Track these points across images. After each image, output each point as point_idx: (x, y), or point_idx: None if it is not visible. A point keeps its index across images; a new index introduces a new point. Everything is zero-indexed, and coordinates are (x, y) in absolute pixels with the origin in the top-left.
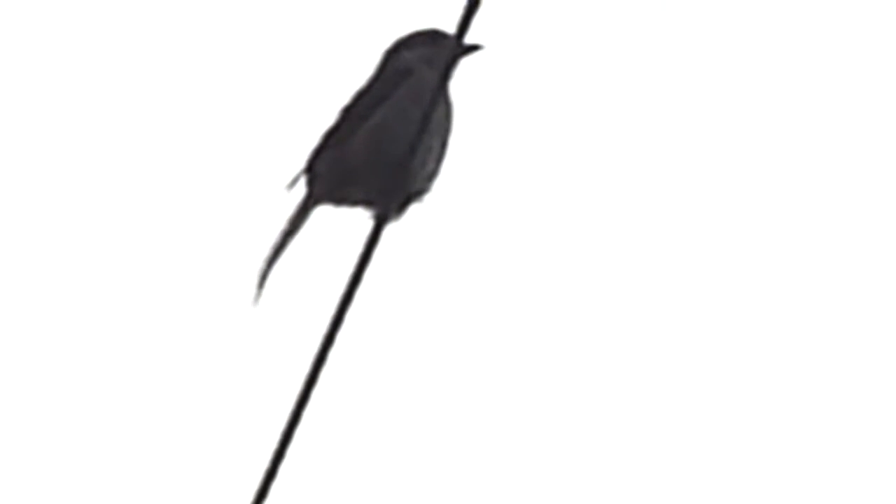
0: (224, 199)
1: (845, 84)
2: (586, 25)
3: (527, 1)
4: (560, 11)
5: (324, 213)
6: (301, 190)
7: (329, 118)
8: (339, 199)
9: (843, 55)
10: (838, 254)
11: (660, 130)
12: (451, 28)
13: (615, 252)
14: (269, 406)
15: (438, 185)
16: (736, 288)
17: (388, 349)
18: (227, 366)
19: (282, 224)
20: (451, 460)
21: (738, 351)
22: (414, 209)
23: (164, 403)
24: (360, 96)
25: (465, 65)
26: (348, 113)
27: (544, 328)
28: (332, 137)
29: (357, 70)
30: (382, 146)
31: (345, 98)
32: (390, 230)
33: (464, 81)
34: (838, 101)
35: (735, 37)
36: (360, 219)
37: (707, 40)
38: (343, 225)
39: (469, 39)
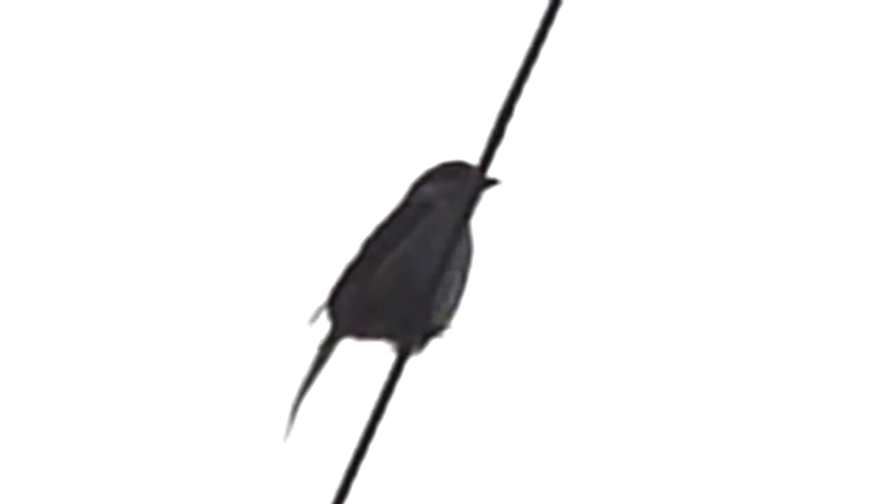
0: (248, 334)
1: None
2: (605, 158)
3: (550, 135)
4: (579, 145)
5: (346, 347)
6: (324, 324)
7: (351, 251)
8: (362, 333)
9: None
10: (839, 254)
11: (673, 256)
12: (475, 158)
13: (637, 367)
14: None
15: (459, 319)
16: (739, 290)
17: (410, 482)
18: (257, 497)
19: (306, 359)
20: None
21: (741, 352)
22: (435, 343)
23: None
24: (382, 229)
25: (487, 198)
26: (370, 246)
27: (563, 464)
28: (353, 271)
29: (379, 203)
30: (404, 280)
31: (367, 231)
32: (412, 364)
33: (486, 215)
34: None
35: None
36: (382, 352)
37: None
38: (365, 358)
39: (493, 172)
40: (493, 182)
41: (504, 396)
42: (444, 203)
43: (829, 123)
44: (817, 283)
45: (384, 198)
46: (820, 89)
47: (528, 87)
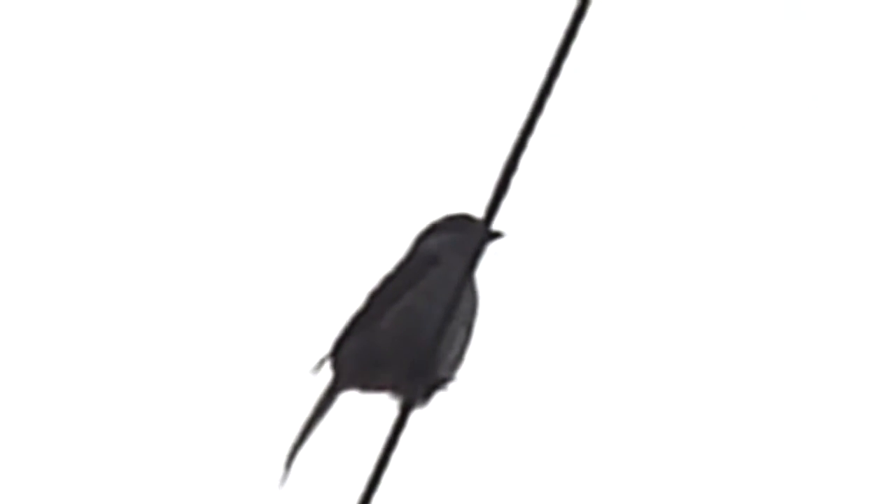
0: (251, 382)
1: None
2: (610, 208)
3: (554, 188)
4: (583, 199)
5: (349, 398)
6: (327, 374)
7: (356, 302)
8: (365, 385)
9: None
10: (839, 255)
11: (680, 313)
12: (480, 211)
13: (644, 428)
14: None
15: (463, 372)
16: (746, 293)
17: None
18: None
19: (308, 408)
20: None
21: (747, 354)
22: (438, 396)
23: None
24: (388, 281)
25: (491, 250)
26: (375, 297)
27: None
28: (358, 322)
29: (385, 255)
30: (409, 332)
31: (372, 282)
32: (415, 417)
33: (491, 268)
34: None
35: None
36: (385, 405)
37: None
38: (369, 410)
39: (497, 225)
40: (497, 235)
41: (508, 451)
42: (449, 256)
43: (841, 131)
44: (824, 297)
45: (389, 250)
46: (835, 100)
47: (532, 142)
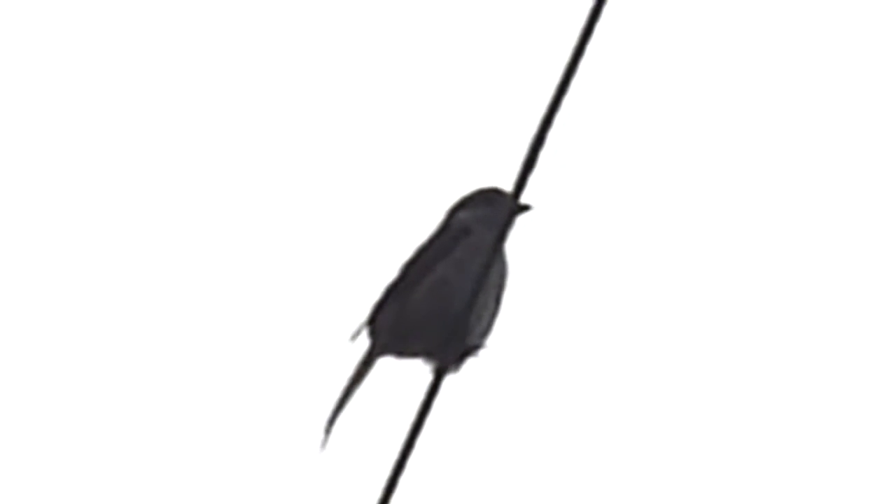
0: (292, 350)
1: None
2: (635, 185)
3: (581, 163)
4: (609, 172)
5: (386, 365)
6: (364, 341)
7: (391, 272)
8: (400, 352)
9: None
10: (839, 256)
11: (707, 276)
12: (509, 185)
13: (672, 384)
14: None
15: (492, 340)
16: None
17: (446, 498)
18: None
19: (346, 375)
20: None
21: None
22: (470, 363)
23: None
24: (422, 252)
25: (520, 223)
26: (410, 268)
27: (595, 482)
28: (393, 292)
29: (419, 227)
30: (442, 301)
31: (406, 253)
32: (448, 382)
33: (519, 240)
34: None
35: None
36: (419, 371)
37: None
38: (403, 375)
39: (526, 198)
40: (526, 208)
41: (538, 416)
42: (479, 228)
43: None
44: (832, 302)
45: (423, 222)
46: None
47: (558, 118)
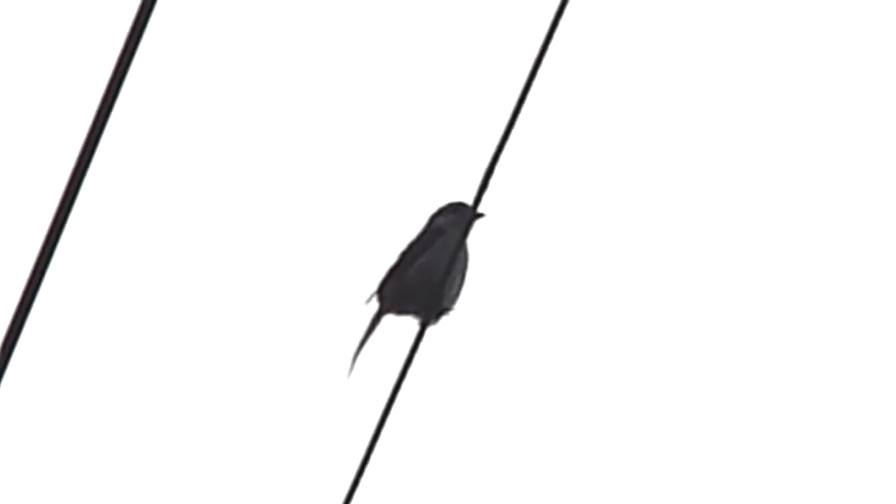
0: (329, 311)
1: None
2: (570, 196)
3: (529, 180)
4: (552, 187)
5: (389, 320)
6: (374, 304)
7: (392, 259)
8: (398, 311)
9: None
10: (840, 256)
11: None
12: (470, 199)
13: (619, 338)
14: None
15: (460, 305)
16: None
17: (429, 413)
18: (311, 414)
19: (364, 326)
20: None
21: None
22: (444, 320)
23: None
24: (412, 246)
25: (477, 226)
26: (404, 256)
27: (559, 404)
28: (394, 272)
29: (410, 230)
30: (426, 278)
31: (402, 246)
32: (430, 332)
33: (478, 236)
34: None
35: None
36: (410, 325)
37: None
38: (400, 328)
39: (482, 209)
40: (481, 215)
41: (492, 356)
42: (450, 229)
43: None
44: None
45: (413, 226)
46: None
47: (508, 146)
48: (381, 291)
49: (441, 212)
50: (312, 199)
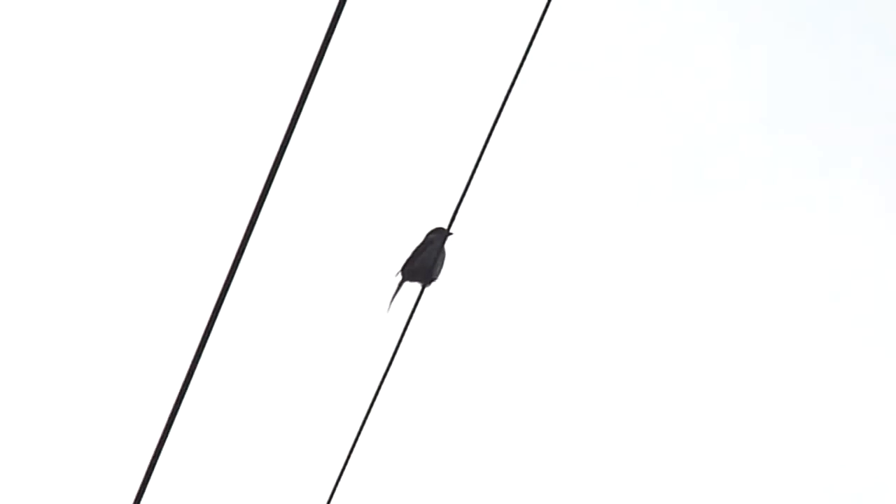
0: (372, 282)
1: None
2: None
3: (490, 206)
4: (510, 210)
5: (406, 286)
6: (398, 277)
7: (406, 253)
8: (411, 280)
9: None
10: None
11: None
12: (446, 223)
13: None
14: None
15: (442, 277)
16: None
17: (429, 356)
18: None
19: (393, 288)
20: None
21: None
22: (434, 285)
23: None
24: (417, 248)
25: (450, 240)
26: (414, 254)
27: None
28: (409, 261)
29: (414, 242)
30: (425, 263)
31: (412, 247)
32: (428, 293)
33: (451, 245)
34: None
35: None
36: (414, 287)
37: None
38: (411, 290)
39: (453, 228)
40: (451, 234)
41: (468, 312)
42: (436, 241)
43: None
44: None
45: (416, 240)
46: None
47: (476, 178)
48: (403, 270)
49: (432, 232)
50: (331, 215)
